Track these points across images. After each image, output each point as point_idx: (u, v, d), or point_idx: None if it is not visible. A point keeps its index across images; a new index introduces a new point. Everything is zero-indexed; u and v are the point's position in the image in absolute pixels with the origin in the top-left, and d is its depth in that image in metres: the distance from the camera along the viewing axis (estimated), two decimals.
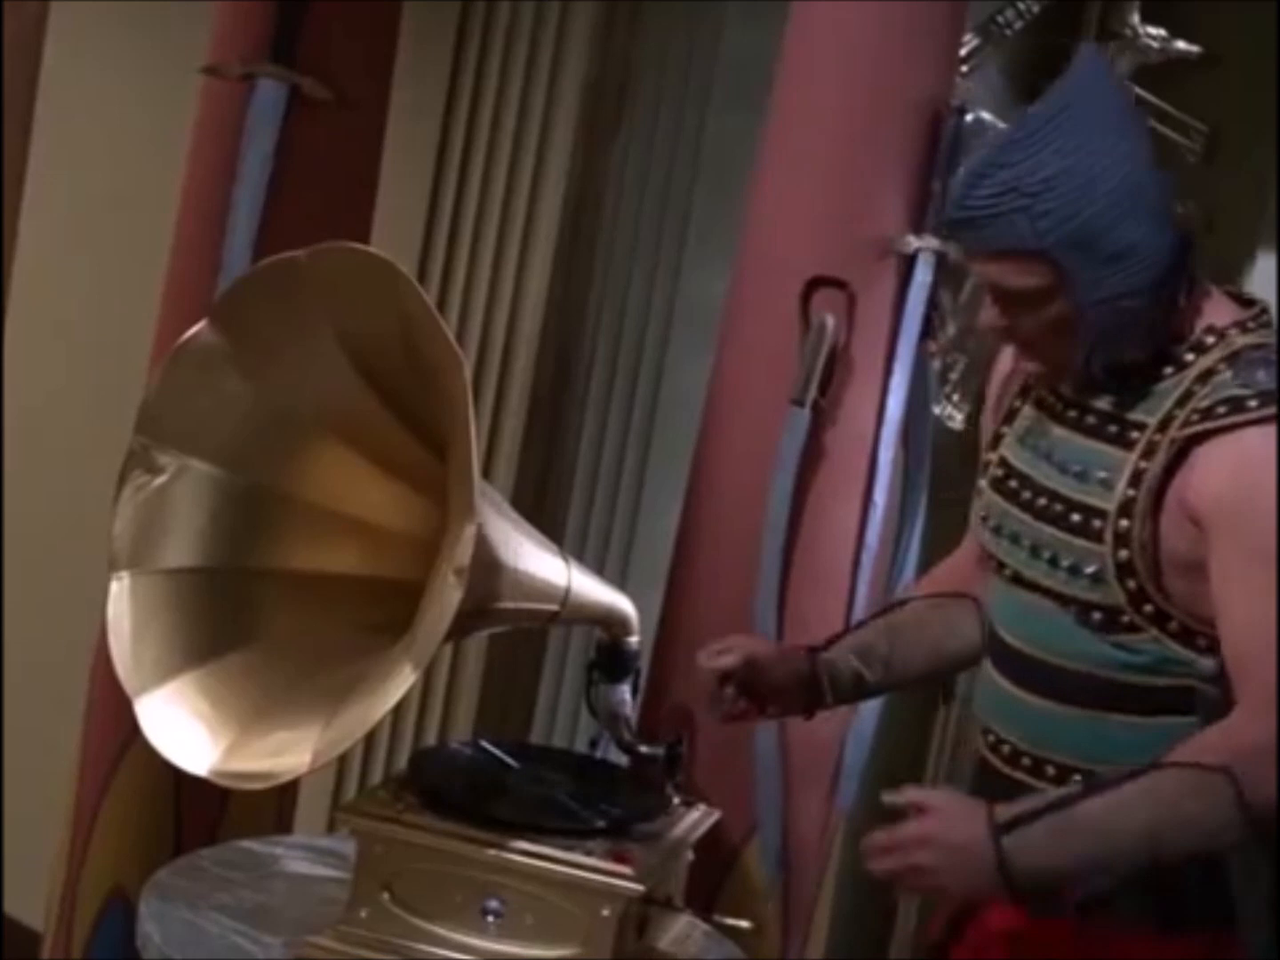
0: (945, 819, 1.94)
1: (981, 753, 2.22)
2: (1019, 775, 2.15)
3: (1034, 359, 2.13)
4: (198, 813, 2.51)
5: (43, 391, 3.63)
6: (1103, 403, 2.11)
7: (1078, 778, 2.08)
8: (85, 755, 2.64)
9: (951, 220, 2.09)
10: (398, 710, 3.07)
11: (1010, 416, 2.23)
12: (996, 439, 2.24)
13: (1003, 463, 2.20)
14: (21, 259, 3.53)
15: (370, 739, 3.09)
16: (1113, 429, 2.09)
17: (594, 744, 2.43)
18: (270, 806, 2.63)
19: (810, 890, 2.67)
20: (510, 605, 2.20)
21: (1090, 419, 2.12)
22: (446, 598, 1.96)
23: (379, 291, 2.05)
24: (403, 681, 1.98)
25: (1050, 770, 2.13)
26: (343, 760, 3.07)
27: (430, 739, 3.13)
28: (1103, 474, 2.07)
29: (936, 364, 2.82)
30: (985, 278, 2.09)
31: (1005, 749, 2.18)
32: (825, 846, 2.69)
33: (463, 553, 1.95)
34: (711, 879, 2.55)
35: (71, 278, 3.59)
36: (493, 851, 2.06)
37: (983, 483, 2.22)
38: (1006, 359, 2.28)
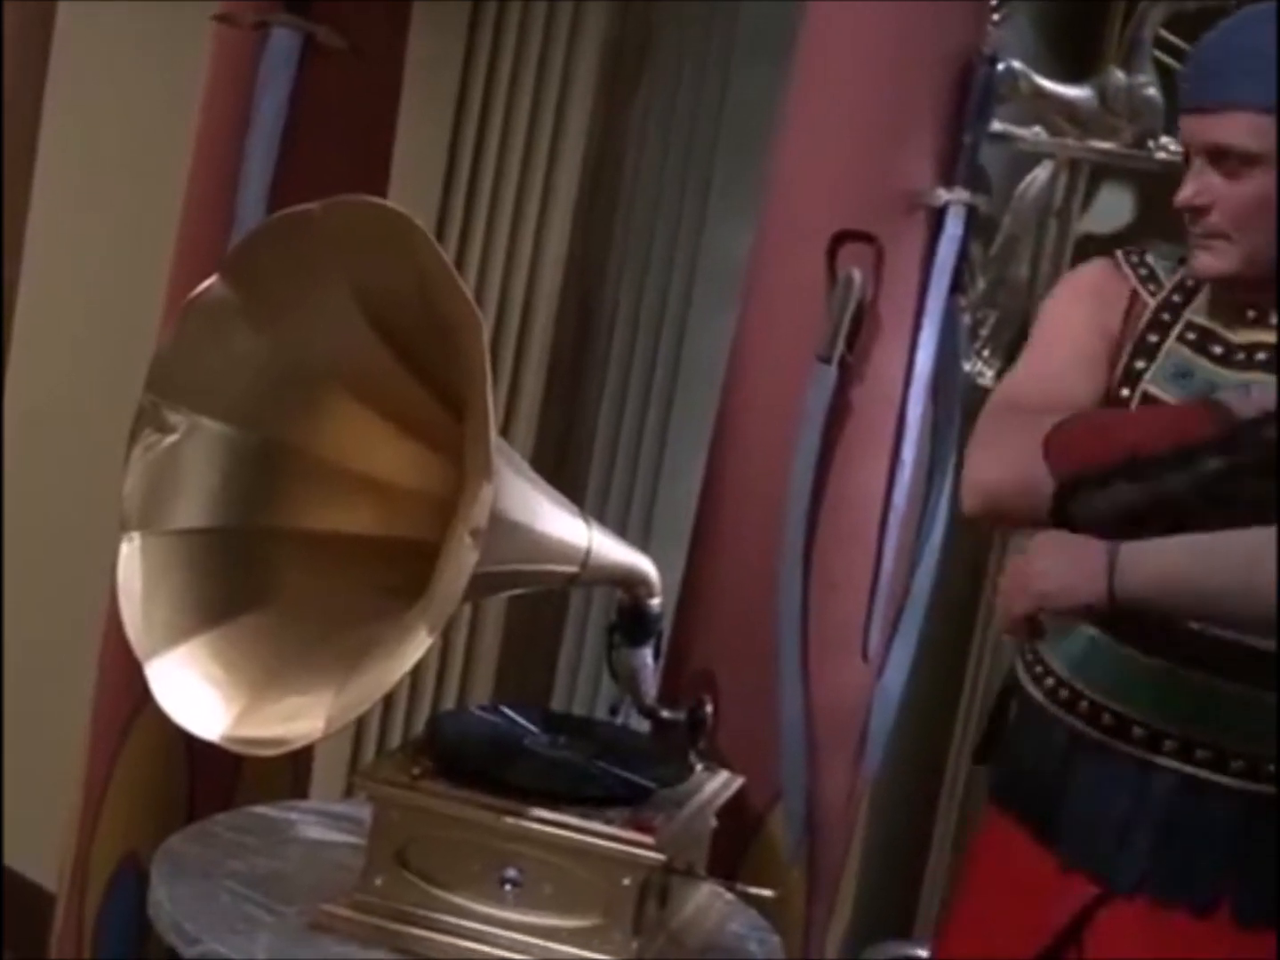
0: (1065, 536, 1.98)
1: (1085, 732, 2.15)
2: (1163, 760, 2.09)
3: (1222, 249, 2.07)
4: (211, 778, 2.47)
5: (56, 352, 3.58)
6: (1273, 336, 2.05)
7: (1239, 763, 2.06)
8: (97, 719, 2.60)
9: (1194, 66, 2.08)
10: (416, 673, 3.02)
11: (1148, 352, 2.15)
12: (1131, 374, 2.14)
13: (1150, 399, 2.12)
14: (35, 215, 3.48)
15: (388, 702, 3.04)
16: None
17: (615, 710, 2.39)
18: (285, 771, 2.58)
19: (836, 858, 2.61)
20: (528, 567, 2.15)
21: (1260, 355, 2.06)
22: (462, 560, 1.91)
23: (394, 246, 1.99)
24: (418, 645, 1.93)
25: (1200, 754, 2.08)
26: (360, 723, 3.02)
27: (449, 703, 3.07)
28: None
29: (967, 319, 2.75)
30: (1205, 136, 2.05)
31: (1137, 731, 2.11)
32: (851, 813, 2.64)
33: (479, 514, 1.90)
34: (735, 846, 2.50)
35: (86, 233, 3.54)
36: (511, 819, 2.02)
37: None
38: (1093, 271, 2.22)
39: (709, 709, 2.26)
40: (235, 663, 2.10)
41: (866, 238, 2.52)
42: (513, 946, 2.02)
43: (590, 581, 2.34)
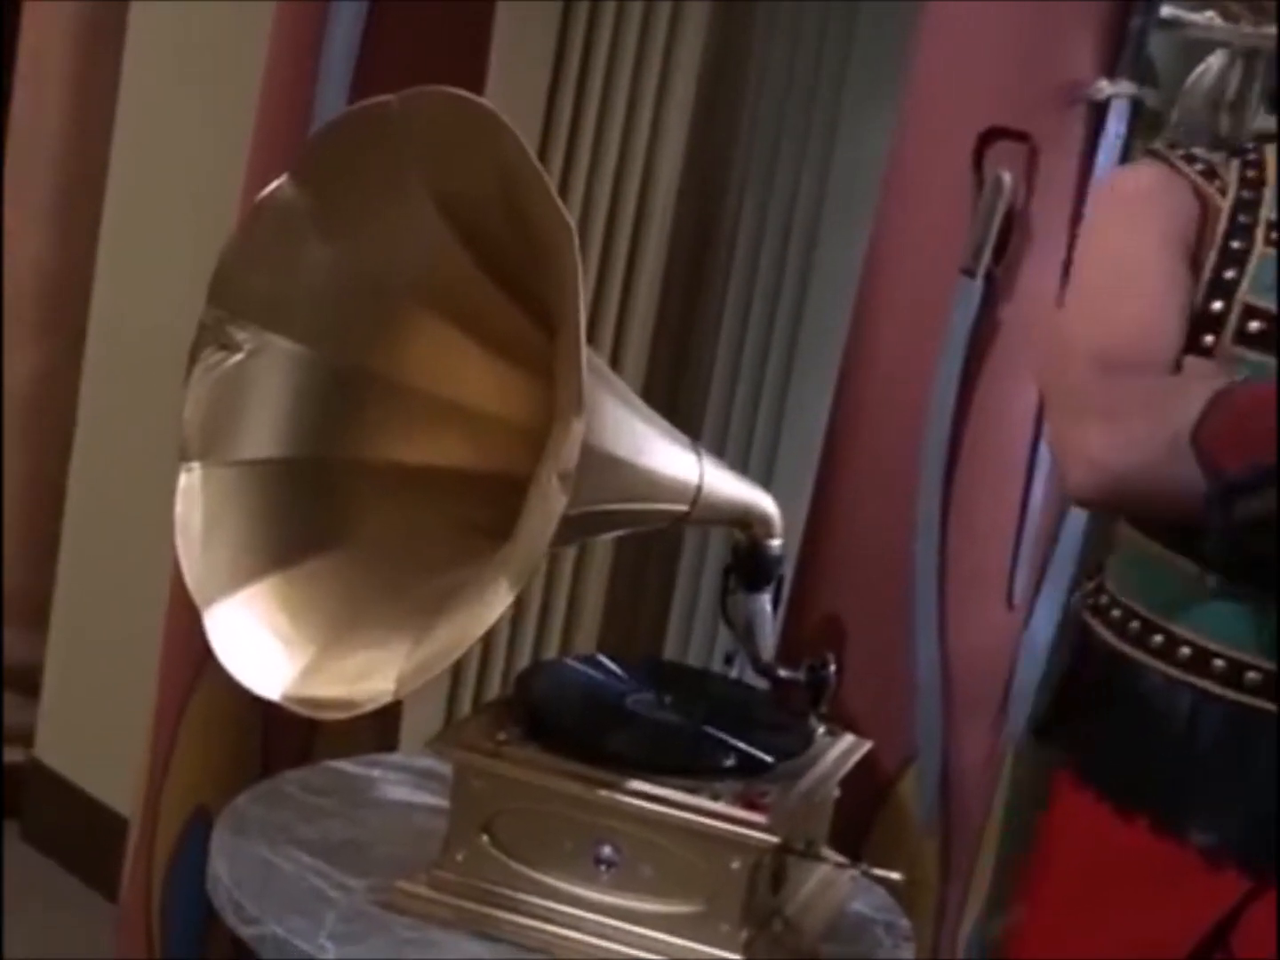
0: None
1: (1222, 695, 1.90)
2: None
3: None
4: (287, 728, 2.27)
5: (138, 257, 3.40)
6: None
7: None
8: (165, 664, 2.41)
9: None
10: (517, 616, 2.81)
11: (1236, 259, 1.91)
12: (1221, 286, 1.91)
13: (1252, 312, 1.88)
14: (124, 98, 3.34)
15: (487, 644, 2.83)
16: None
17: (729, 659, 2.17)
18: (370, 723, 2.38)
19: (973, 827, 2.38)
20: (631, 506, 1.93)
21: None
22: (549, 506, 1.69)
23: (480, 145, 1.78)
24: (499, 601, 1.71)
25: None
26: (455, 671, 2.81)
27: (551, 651, 2.85)
28: None
29: None
30: None
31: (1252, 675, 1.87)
32: (991, 777, 2.40)
33: (568, 454, 1.68)
34: (861, 814, 2.29)
35: (174, 122, 3.34)
36: (606, 792, 1.80)
37: (1212, 339, 1.90)
38: (1144, 177, 1.98)
39: (832, 668, 2.03)
40: (302, 611, 1.90)
41: (1018, 136, 2.30)
42: (606, 933, 1.81)
43: (701, 521, 2.12)
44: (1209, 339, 1.90)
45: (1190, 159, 1.98)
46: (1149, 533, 1.93)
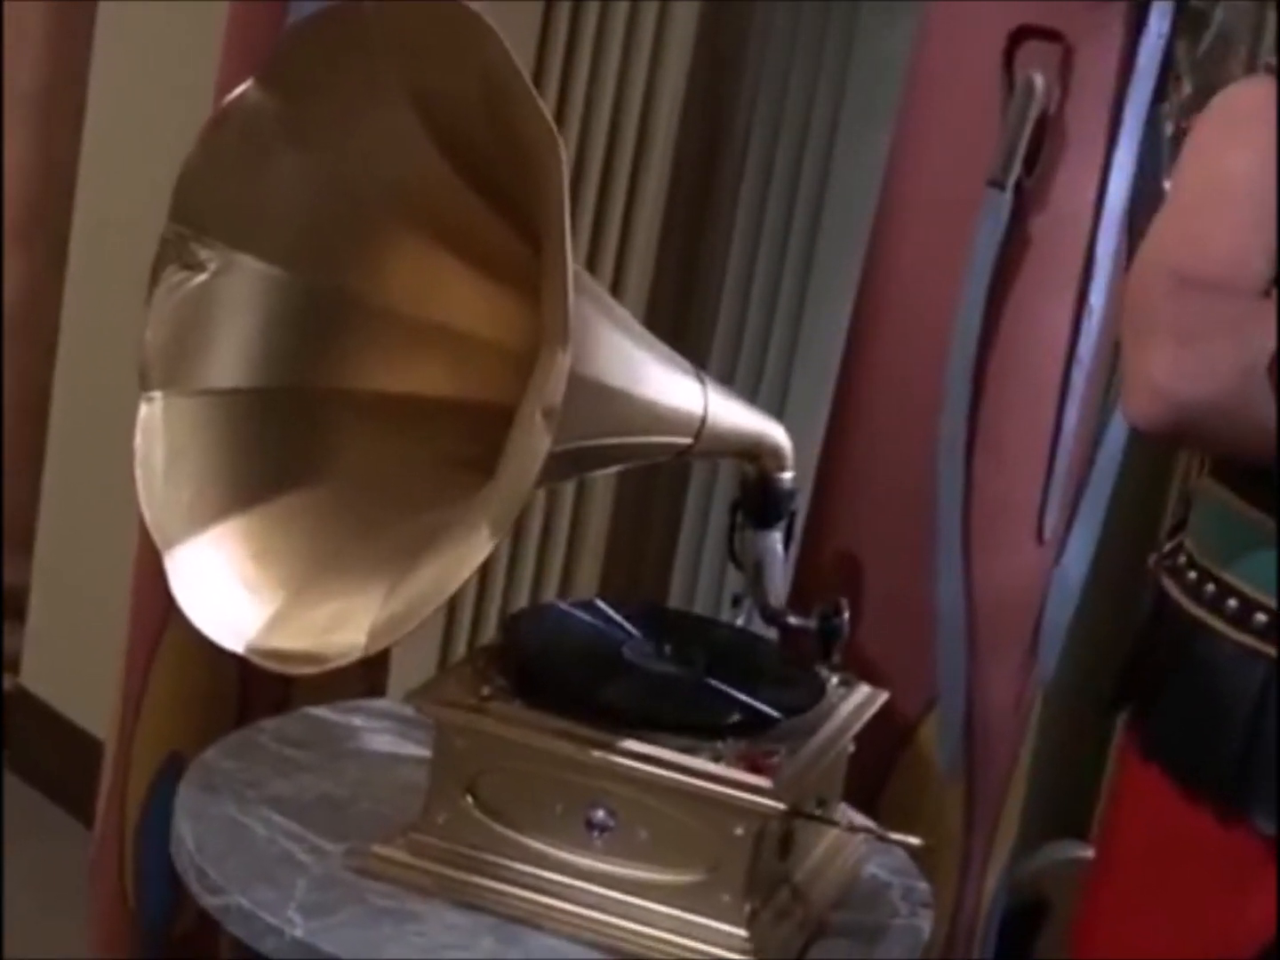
0: None
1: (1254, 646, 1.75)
2: None
3: None
4: (265, 671, 2.11)
5: (122, 158, 3.25)
6: None
7: None
8: (137, 601, 2.27)
9: None
10: (514, 554, 2.67)
11: None
12: None
13: None
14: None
15: (483, 582, 2.68)
16: None
17: (736, 601, 2.03)
18: (355, 664, 2.24)
19: (999, 775, 2.24)
20: (627, 440, 1.78)
21: None
22: (532, 445, 1.54)
23: (460, 47, 1.63)
24: (479, 548, 1.57)
25: None
26: (451, 608, 2.67)
27: (551, 587, 2.70)
28: None
29: (1169, 129, 2.36)
30: None
31: None
32: (1020, 722, 2.26)
33: (554, 388, 1.53)
34: (879, 762, 2.16)
35: (153, 21, 3.18)
36: (599, 752, 1.66)
37: None
38: (1254, 94, 1.78)
39: (846, 615, 1.89)
40: (271, 554, 1.77)
41: (1051, 34, 2.14)
42: (598, 904, 1.68)
43: (706, 454, 1.99)
44: None
45: None
46: (1223, 479, 1.77)
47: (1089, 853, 2.57)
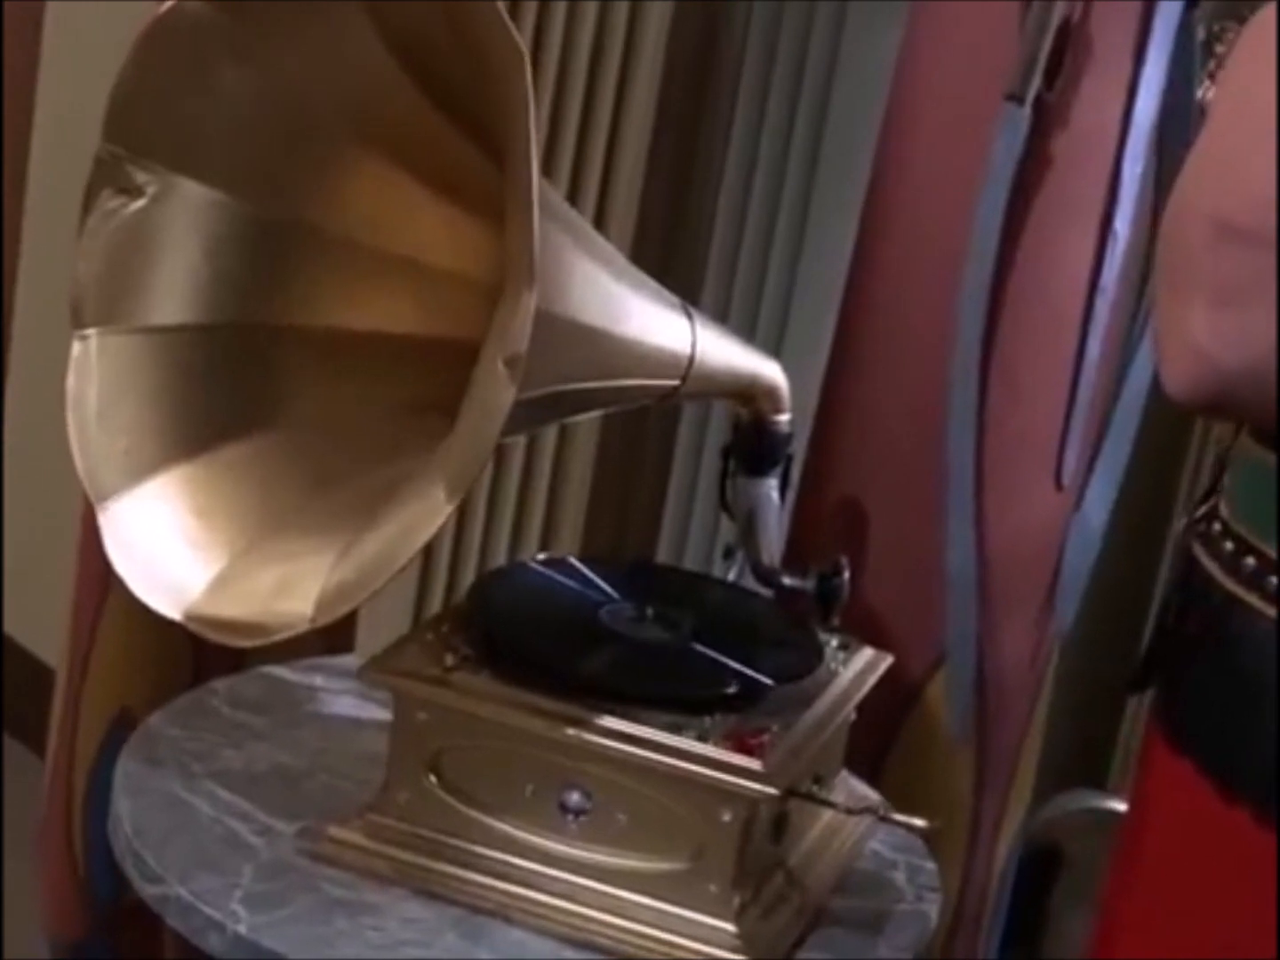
0: None
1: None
2: None
3: None
4: None
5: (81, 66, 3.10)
6: None
7: None
8: (84, 548, 2.13)
9: None
10: (493, 507, 2.51)
11: None
12: None
13: None
14: None
15: (459, 530, 2.53)
16: None
17: (729, 553, 1.88)
18: None
19: (1013, 736, 2.10)
20: (606, 384, 1.63)
21: None
22: (495, 396, 1.39)
23: None
24: (436, 510, 1.42)
25: None
26: (426, 558, 2.51)
27: (532, 538, 2.53)
28: None
29: (1200, 34, 2.20)
30: None
31: None
32: (1035, 679, 2.12)
33: (518, 333, 1.37)
34: (884, 723, 2.01)
35: None
36: (573, 729, 1.52)
37: None
38: None
39: (846, 575, 1.74)
40: (216, 508, 1.62)
41: None
42: (572, 894, 1.54)
43: (695, 395, 1.84)
44: None
45: None
46: (1263, 439, 1.59)
47: (1103, 802, 2.45)
